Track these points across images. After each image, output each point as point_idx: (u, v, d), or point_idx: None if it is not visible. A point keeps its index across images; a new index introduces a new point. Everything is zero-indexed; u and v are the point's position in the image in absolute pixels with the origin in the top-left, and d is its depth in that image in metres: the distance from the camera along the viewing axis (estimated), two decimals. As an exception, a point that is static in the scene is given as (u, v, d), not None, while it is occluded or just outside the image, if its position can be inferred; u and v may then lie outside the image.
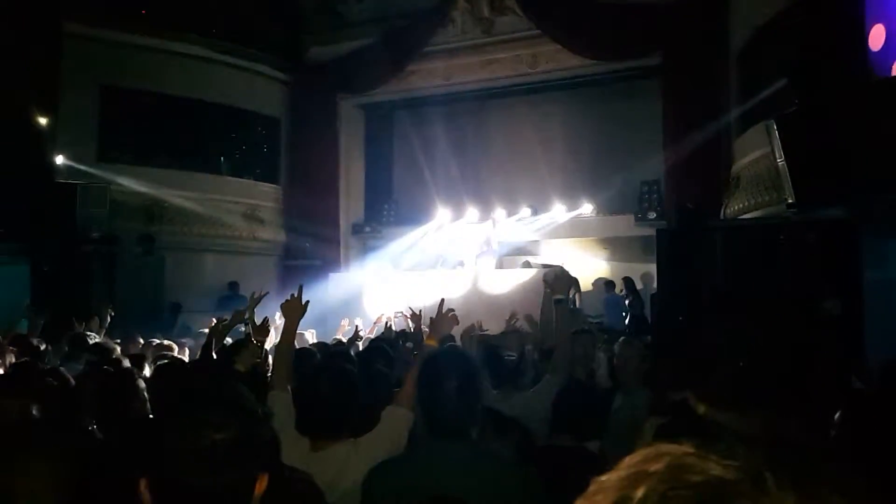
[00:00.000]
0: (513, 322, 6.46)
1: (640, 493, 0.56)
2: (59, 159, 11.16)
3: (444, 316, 3.06)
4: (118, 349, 4.86)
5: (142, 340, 6.55)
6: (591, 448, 3.03)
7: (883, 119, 6.07)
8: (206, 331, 5.62)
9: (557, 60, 12.80)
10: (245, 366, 3.79)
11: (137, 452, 1.78)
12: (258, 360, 4.10)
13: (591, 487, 0.61)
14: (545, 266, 12.29)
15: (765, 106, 9.08)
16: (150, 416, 2.95)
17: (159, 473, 1.28)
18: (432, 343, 2.95)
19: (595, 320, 11.56)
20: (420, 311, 6.49)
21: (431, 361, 2.39)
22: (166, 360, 4.39)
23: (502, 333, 5.95)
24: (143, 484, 1.28)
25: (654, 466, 0.58)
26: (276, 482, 1.33)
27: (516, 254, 13.45)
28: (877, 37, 6.26)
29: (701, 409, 2.75)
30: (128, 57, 12.50)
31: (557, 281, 4.76)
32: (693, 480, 0.56)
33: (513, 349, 5.38)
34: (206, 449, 1.25)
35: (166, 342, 5.83)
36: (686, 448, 0.60)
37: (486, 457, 2.29)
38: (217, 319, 5.02)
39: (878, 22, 6.26)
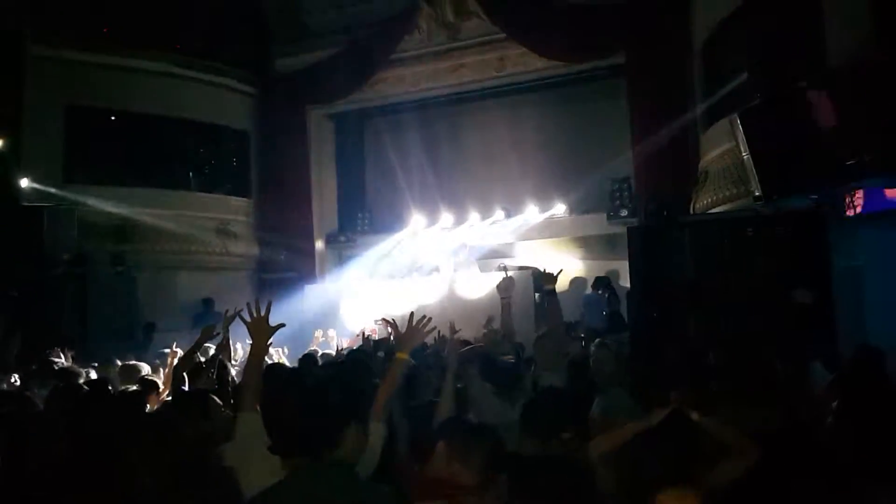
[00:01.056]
0: (490, 327, 6.41)
1: None
2: (25, 182, 10.98)
3: (412, 328, 3.04)
4: (84, 374, 4.76)
5: (119, 362, 6.47)
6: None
7: (843, 109, 6.18)
8: (167, 351, 5.55)
9: (524, 63, 12.87)
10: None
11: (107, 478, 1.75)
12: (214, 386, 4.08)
13: None
14: (521, 268, 12.33)
15: (730, 100, 9.19)
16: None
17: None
18: (403, 357, 2.93)
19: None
20: (393, 319, 6.43)
21: (275, 382, 2.41)
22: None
23: (493, 340, 5.79)
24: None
25: None
26: None
27: (491, 257, 13.47)
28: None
29: (694, 416, 2.77)
30: (92, 76, 12.37)
31: (545, 275, 4.78)
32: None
33: (507, 353, 5.29)
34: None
35: (135, 363, 5.74)
36: None
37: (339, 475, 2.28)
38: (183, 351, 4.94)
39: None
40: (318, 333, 9.11)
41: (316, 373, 4.27)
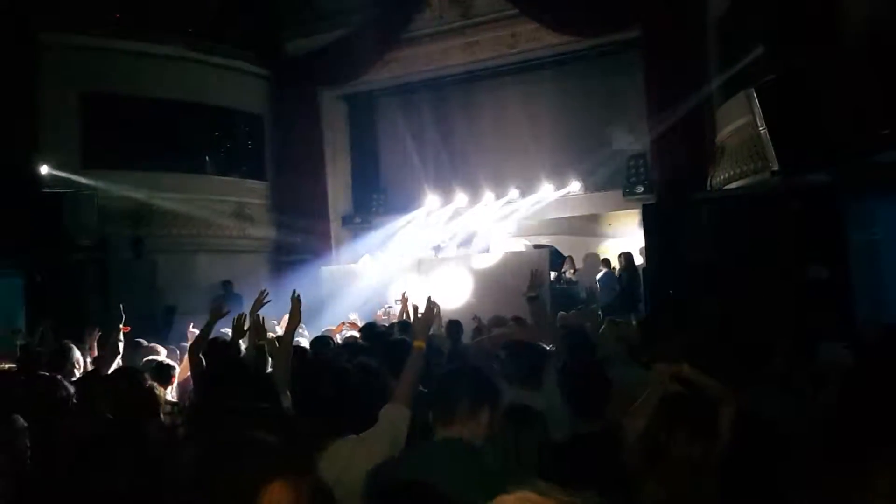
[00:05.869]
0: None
1: None
2: (44, 169, 11.11)
3: (424, 316, 3.08)
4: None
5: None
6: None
7: (859, 82, 6.14)
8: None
9: (537, 39, 12.76)
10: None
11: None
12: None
13: None
14: (537, 246, 12.37)
15: (746, 74, 9.12)
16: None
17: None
18: (420, 345, 2.97)
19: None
20: (406, 297, 6.48)
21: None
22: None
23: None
24: None
25: None
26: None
27: (508, 235, 13.51)
28: None
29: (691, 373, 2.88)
30: (106, 62, 12.44)
31: (533, 279, 4.56)
32: None
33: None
34: None
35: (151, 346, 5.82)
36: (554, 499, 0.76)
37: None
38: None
39: None
40: (381, 312, 9.33)
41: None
